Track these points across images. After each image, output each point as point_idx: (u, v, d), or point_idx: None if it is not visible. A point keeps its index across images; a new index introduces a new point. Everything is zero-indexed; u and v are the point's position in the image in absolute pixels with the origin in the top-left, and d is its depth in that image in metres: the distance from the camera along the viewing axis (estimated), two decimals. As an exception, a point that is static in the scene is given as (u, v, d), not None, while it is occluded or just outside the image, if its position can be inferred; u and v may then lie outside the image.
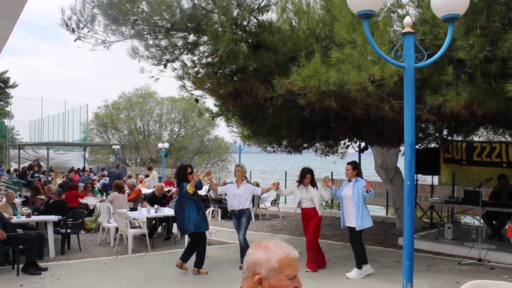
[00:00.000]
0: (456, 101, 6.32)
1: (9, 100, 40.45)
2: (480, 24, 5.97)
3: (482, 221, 10.21)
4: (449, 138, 12.96)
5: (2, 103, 42.78)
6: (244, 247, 8.08)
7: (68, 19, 7.84)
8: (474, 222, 13.61)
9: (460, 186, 12.41)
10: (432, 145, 13.44)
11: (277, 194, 15.47)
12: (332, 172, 16.74)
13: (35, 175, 19.67)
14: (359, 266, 7.84)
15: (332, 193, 8.21)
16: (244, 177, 8.52)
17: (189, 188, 7.75)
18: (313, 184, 8.25)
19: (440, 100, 6.46)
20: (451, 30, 4.10)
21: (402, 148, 11.67)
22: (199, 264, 7.85)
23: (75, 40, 8.02)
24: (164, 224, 10.94)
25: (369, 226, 7.78)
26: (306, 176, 8.21)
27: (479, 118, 8.09)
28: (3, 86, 43.63)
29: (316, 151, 13.93)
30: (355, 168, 7.89)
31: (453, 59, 6.38)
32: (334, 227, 13.11)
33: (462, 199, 10.52)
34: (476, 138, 13.63)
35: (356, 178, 7.80)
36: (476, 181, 10.96)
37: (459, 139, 13.06)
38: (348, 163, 8.01)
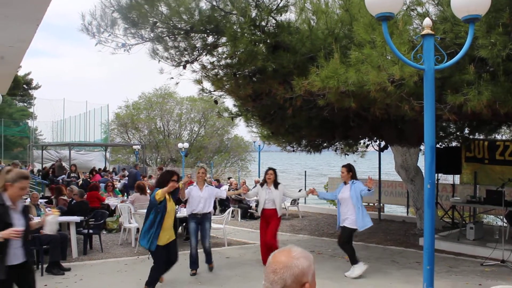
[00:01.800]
0: (478, 100, 6.24)
1: (32, 101, 41.22)
2: (503, 22, 5.88)
3: (505, 221, 10.05)
4: (471, 136, 12.77)
5: (25, 104, 43.60)
6: (209, 253, 8.05)
7: (89, 24, 7.96)
8: (497, 222, 13.42)
9: (482, 185, 12.23)
10: (454, 144, 13.27)
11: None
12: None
13: (72, 175, 19.84)
14: (354, 263, 7.86)
15: (330, 195, 8.62)
16: (206, 179, 8.32)
17: (159, 194, 6.52)
18: (276, 185, 8.35)
19: (461, 99, 6.38)
20: (472, 30, 4.05)
21: (422, 148, 11.56)
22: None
23: (96, 44, 8.14)
24: (184, 224, 11.02)
25: (371, 226, 7.86)
26: (268, 172, 8.41)
27: (501, 117, 7.97)
28: (26, 87, 44.45)
29: (335, 151, 13.89)
30: (350, 170, 7.91)
31: (474, 58, 6.30)
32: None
33: (484, 198, 10.38)
34: (498, 137, 13.40)
35: (352, 180, 7.83)
36: (499, 180, 10.79)
37: (481, 137, 12.86)
38: (343, 166, 8.02)
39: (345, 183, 7.93)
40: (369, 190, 7.56)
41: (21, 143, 38.59)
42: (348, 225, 7.78)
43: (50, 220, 5.04)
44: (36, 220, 8.80)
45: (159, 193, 6.51)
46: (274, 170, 8.54)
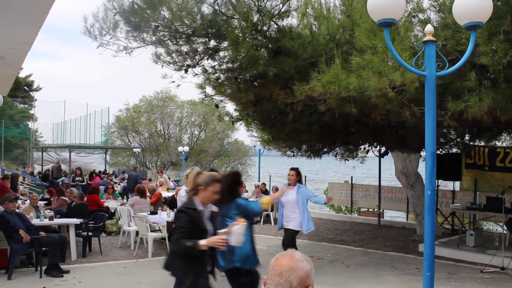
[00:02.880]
0: (479, 107, 6.24)
1: (33, 103, 41.26)
2: (504, 29, 5.90)
3: (505, 228, 10.04)
4: (471, 143, 12.78)
5: (26, 106, 43.66)
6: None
7: (91, 27, 7.97)
8: (496, 229, 13.40)
9: (482, 192, 12.22)
10: (454, 150, 13.27)
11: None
12: (352, 177, 16.64)
13: (76, 178, 19.75)
14: None
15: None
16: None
17: (269, 203, 5.67)
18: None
19: (462, 106, 6.38)
20: (474, 37, 4.06)
21: (423, 154, 11.56)
22: None
23: (98, 47, 8.15)
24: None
25: (314, 230, 8.00)
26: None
27: (502, 124, 7.97)
28: (27, 89, 44.54)
29: (336, 156, 13.88)
30: (298, 174, 7.93)
31: (475, 65, 6.30)
32: (353, 232, 13.03)
33: (484, 205, 10.37)
34: (499, 144, 13.40)
35: (298, 184, 7.86)
36: (499, 187, 10.79)
37: (482, 144, 12.87)
38: (292, 169, 7.94)
39: (289, 185, 7.89)
40: (325, 204, 7.92)
41: (21, 145, 38.64)
42: (292, 227, 7.80)
43: (236, 230, 4.31)
44: (35, 221, 8.83)
45: (268, 201, 5.60)
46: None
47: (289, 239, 7.84)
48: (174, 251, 4.25)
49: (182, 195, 6.90)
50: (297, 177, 7.87)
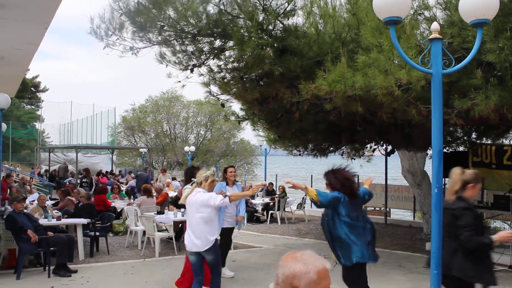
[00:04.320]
0: (485, 105, 6.22)
1: (40, 104, 41.50)
2: (511, 26, 5.87)
3: (513, 227, 10.00)
4: (478, 141, 12.71)
5: (33, 107, 43.90)
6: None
7: (97, 28, 8.01)
8: (504, 227, 13.32)
9: (489, 190, 12.16)
10: (460, 148, 13.21)
11: (303, 198, 15.46)
12: (358, 176, 16.55)
13: (84, 180, 19.71)
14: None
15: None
16: None
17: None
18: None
19: (468, 104, 6.36)
20: (480, 35, 4.04)
21: (429, 152, 11.52)
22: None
23: (104, 47, 8.19)
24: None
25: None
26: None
27: (509, 122, 7.94)
28: (34, 90, 44.75)
29: (342, 155, 13.86)
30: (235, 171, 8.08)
31: (482, 62, 6.28)
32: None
33: (491, 204, 10.33)
34: (506, 141, 13.33)
35: (235, 182, 7.98)
36: (506, 185, 10.73)
37: (489, 142, 12.80)
38: (231, 166, 8.16)
39: (228, 183, 7.85)
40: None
41: (29, 146, 38.84)
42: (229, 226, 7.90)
43: None
44: (42, 221, 8.89)
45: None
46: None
47: (226, 238, 7.96)
48: (465, 249, 4.19)
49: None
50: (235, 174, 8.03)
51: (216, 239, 5.85)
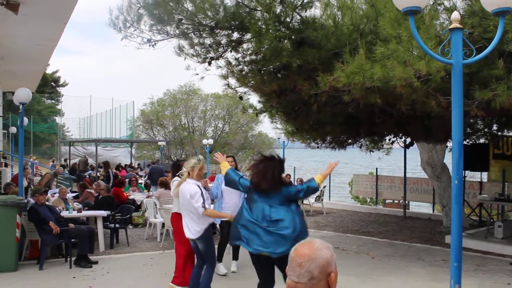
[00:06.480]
0: (507, 96, 6.13)
1: (60, 98, 42.05)
2: (533, 16, 5.76)
3: (534, 220, 9.85)
4: (499, 133, 12.52)
5: (53, 101, 44.49)
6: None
7: (116, 19, 8.06)
8: (526, 220, 13.13)
9: (511, 183, 12.00)
10: (481, 140, 13.03)
11: (321, 190, 15.41)
12: (376, 169, 16.49)
13: (99, 174, 19.89)
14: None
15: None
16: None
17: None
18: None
19: (489, 95, 6.27)
20: (502, 24, 3.97)
21: (449, 144, 11.39)
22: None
23: (122, 39, 8.24)
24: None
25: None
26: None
27: (531, 113, 7.81)
28: (54, 85, 45.31)
29: (360, 147, 13.78)
30: (234, 160, 7.93)
31: (503, 52, 6.18)
32: (379, 223, 12.95)
33: (513, 196, 10.19)
34: (528, 133, 13.11)
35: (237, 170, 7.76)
36: (528, 178, 10.58)
37: (510, 134, 12.60)
38: (229, 156, 7.70)
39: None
40: None
41: (49, 140, 39.40)
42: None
43: None
44: (64, 214, 9.04)
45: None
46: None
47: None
48: None
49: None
50: (235, 163, 7.93)
51: (209, 229, 5.94)
